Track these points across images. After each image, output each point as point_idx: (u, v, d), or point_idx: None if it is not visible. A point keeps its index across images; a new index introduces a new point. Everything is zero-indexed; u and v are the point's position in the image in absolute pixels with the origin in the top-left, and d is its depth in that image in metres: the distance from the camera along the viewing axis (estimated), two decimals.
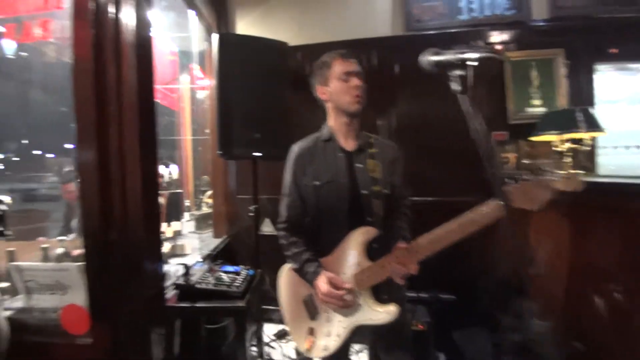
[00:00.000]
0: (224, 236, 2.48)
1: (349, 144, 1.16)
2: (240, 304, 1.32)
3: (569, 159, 2.04)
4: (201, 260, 1.82)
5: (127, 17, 1.22)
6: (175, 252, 2.12)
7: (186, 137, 3.14)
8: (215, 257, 2.05)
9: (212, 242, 2.42)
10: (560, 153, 2.07)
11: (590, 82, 2.20)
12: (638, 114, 2.27)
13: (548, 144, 2.12)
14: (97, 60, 1.19)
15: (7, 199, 1.45)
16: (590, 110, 1.94)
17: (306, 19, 2.48)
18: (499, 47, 2.22)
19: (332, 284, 1.04)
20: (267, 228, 2.32)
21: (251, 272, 1.57)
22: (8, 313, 1.27)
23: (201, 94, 2.94)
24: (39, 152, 2.78)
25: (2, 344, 1.16)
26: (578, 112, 1.94)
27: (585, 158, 2.12)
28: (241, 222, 2.48)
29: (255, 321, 1.89)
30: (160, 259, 1.41)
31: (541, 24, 2.19)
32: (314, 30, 2.43)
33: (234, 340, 1.77)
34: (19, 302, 1.32)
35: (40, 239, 1.65)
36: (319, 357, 1.09)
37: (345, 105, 1.12)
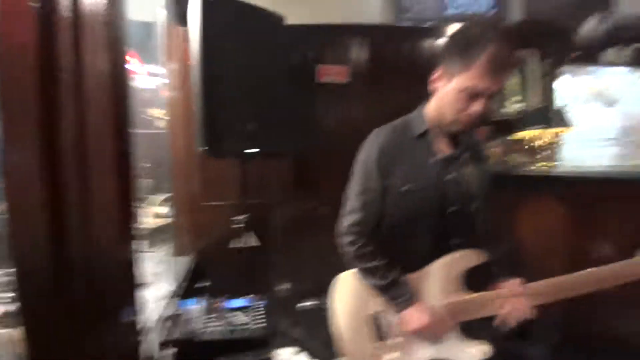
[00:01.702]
0: (190, 254, 2.00)
1: (445, 146, 0.94)
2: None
3: (545, 153, 2.18)
4: (178, 293, 1.37)
5: None
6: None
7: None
8: (190, 286, 1.60)
9: (172, 263, 1.92)
10: (536, 148, 2.20)
11: (555, 82, 2.39)
12: (593, 112, 2.58)
13: (521, 140, 2.25)
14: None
15: None
16: (564, 107, 2.10)
17: None
18: None
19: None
20: (252, 242, 1.93)
21: (263, 301, 1.22)
22: None
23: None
24: None
25: None
26: (554, 110, 2.08)
27: (555, 152, 2.30)
28: (212, 236, 2.02)
29: None
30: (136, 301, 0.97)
31: (518, 23, 2.30)
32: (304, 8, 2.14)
33: None
34: None
35: None
36: None
37: (446, 119, 0.89)
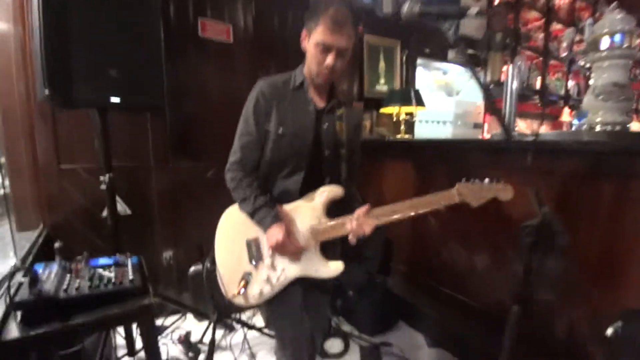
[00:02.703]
0: (40, 227, 1.67)
1: (319, 101, 1.08)
2: (147, 300, 0.94)
3: (402, 127, 2.64)
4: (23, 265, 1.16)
5: None
6: None
7: None
8: (36, 259, 1.36)
9: (16, 238, 1.58)
10: (397, 122, 2.65)
11: (414, 70, 2.89)
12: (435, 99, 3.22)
13: (390, 115, 2.67)
14: None
15: None
16: (419, 90, 2.57)
17: None
18: (359, 27, 2.51)
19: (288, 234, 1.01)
20: (119, 207, 1.73)
21: (135, 259, 1.15)
22: None
23: None
24: None
25: None
26: (412, 91, 2.53)
27: (408, 127, 2.81)
28: (70, 204, 1.73)
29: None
30: None
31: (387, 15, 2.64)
32: None
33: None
34: None
35: None
36: (250, 303, 1.08)
37: (312, 73, 1.02)
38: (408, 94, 2.49)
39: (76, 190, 1.74)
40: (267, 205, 1.03)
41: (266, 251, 1.06)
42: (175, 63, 1.84)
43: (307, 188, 1.05)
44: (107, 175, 1.41)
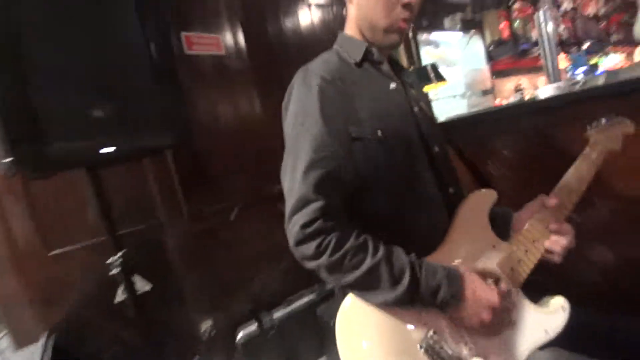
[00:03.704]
0: (43, 337, 1.27)
1: (389, 69, 0.75)
2: None
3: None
4: None
5: None
6: None
7: None
8: None
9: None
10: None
11: (417, 46, 2.61)
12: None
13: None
14: None
15: None
16: (435, 64, 2.28)
17: None
18: None
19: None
20: (139, 284, 1.35)
21: None
22: None
23: None
24: None
25: None
26: (428, 68, 2.24)
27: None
28: (73, 296, 1.34)
29: None
30: None
31: None
32: None
33: None
34: None
35: None
36: None
37: (380, 27, 0.69)
38: (425, 72, 2.19)
39: (76, 278, 1.35)
40: (424, 267, 0.59)
41: (463, 341, 0.61)
42: (166, 89, 1.49)
43: (439, 218, 0.70)
44: (118, 256, 1.03)
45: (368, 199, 0.65)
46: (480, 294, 0.58)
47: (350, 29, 0.75)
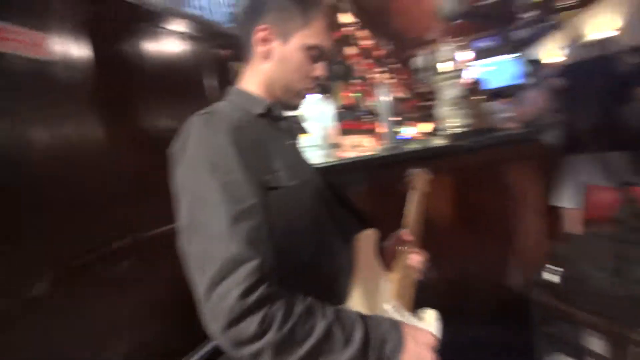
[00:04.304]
0: None
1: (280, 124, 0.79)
2: None
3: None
4: None
5: None
6: None
7: None
8: None
9: None
10: None
11: None
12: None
13: None
14: None
15: None
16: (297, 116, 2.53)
17: None
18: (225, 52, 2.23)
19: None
20: None
21: None
22: None
23: None
24: None
25: None
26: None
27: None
28: None
29: None
30: None
31: None
32: None
33: None
34: None
35: None
36: None
37: (292, 88, 0.72)
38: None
39: None
40: (364, 315, 0.57)
41: None
42: None
43: (346, 262, 0.73)
44: None
45: (285, 250, 0.60)
46: (419, 337, 0.59)
47: (251, 85, 0.75)
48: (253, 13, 0.71)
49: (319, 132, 3.81)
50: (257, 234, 0.53)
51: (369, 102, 4.67)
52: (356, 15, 4.28)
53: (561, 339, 1.71)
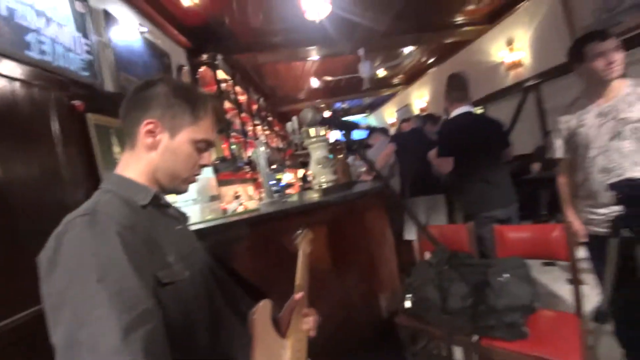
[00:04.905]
0: None
1: (169, 211, 0.80)
2: None
3: None
4: None
5: None
6: None
7: None
8: None
9: None
10: None
11: None
12: None
13: None
14: None
15: None
16: None
17: None
18: (78, 103, 1.97)
19: None
20: None
21: None
22: None
23: None
24: None
25: None
26: None
27: None
28: None
29: None
30: None
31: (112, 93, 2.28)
32: None
33: None
34: None
35: None
36: None
37: (177, 177, 0.74)
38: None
39: None
40: None
41: None
42: None
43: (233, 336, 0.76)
44: None
45: (182, 338, 0.59)
46: None
47: (134, 173, 0.72)
48: (141, 106, 0.71)
49: (198, 184, 3.65)
50: (153, 339, 0.52)
51: (248, 153, 4.82)
52: (230, 73, 4.51)
53: (427, 354, 2.07)
